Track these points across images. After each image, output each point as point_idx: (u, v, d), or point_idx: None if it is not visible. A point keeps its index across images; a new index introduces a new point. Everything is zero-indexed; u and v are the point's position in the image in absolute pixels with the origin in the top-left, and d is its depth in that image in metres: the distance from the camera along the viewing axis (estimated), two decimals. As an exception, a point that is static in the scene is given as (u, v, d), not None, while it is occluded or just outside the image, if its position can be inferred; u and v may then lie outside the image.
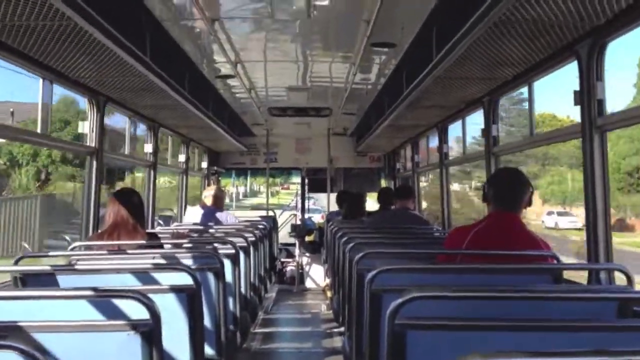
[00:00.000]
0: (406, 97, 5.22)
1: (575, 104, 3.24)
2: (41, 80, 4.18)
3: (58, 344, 1.39)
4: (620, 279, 2.83)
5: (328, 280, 8.91)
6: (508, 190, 3.32)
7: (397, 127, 7.01)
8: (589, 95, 3.14)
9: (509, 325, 1.92)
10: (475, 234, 3.33)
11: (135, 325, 2.02)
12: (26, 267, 3.12)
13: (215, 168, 10.70)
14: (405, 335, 1.93)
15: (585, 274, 3.34)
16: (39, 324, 1.91)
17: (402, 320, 1.94)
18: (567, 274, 3.26)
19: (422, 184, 9.18)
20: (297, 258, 10.40)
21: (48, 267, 3.04)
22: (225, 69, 5.70)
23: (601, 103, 3.14)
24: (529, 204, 3.34)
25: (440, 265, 3.22)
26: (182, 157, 8.55)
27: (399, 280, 2.63)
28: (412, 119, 6.34)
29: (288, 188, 41.32)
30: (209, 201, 6.88)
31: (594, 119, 3.12)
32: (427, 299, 2.04)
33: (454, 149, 6.72)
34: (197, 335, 2.80)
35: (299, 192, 11.75)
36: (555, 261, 3.20)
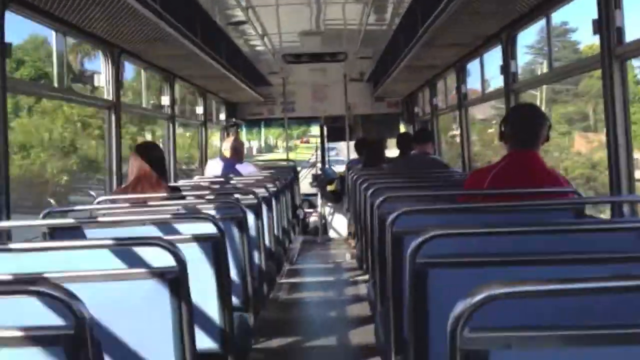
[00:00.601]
0: (422, 36, 5.13)
1: (594, 33, 3.17)
2: (54, 33, 4.17)
3: (86, 294, 1.42)
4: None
5: (351, 229, 8.97)
6: (525, 126, 3.27)
7: (414, 68, 6.90)
8: (607, 23, 3.06)
9: (530, 260, 1.91)
10: (495, 174, 3.31)
11: (162, 273, 2.05)
12: (53, 220, 3.17)
13: (234, 120, 10.69)
14: (426, 274, 1.94)
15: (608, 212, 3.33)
16: (68, 275, 1.95)
17: (423, 259, 1.95)
18: (590, 213, 3.24)
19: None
20: (319, 208, 10.45)
21: (74, 221, 3.10)
22: (237, 15, 5.63)
23: (620, 31, 3.06)
24: (547, 139, 3.30)
25: (461, 205, 3.21)
26: (199, 110, 8.55)
27: (421, 222, 2.63)
28: (428, 58, 6.24)
29: (308, 142, 38.27)
30: (228, 153, 6.89)
31: (614, 47, 3.05)
32: (446, 236, 2.04)
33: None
34: (223, 284, 2.83)
35: (319, 145, 11.68)
36: (576, 197, 3.18)
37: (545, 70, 4.19)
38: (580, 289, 1.21)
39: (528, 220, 2.77)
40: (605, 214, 3.38)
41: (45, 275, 1.86)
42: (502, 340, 1.18)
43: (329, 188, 10.52)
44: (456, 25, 4.68)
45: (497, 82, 5.41)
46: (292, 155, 11.47)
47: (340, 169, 11.51)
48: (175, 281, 2.05)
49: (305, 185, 10.81)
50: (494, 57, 5.37)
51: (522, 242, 2.29)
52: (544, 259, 1.89)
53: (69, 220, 3.20)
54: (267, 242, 4.63)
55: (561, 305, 1.55)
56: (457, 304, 1.20)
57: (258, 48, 7.53)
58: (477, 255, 1.96)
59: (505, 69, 4.78)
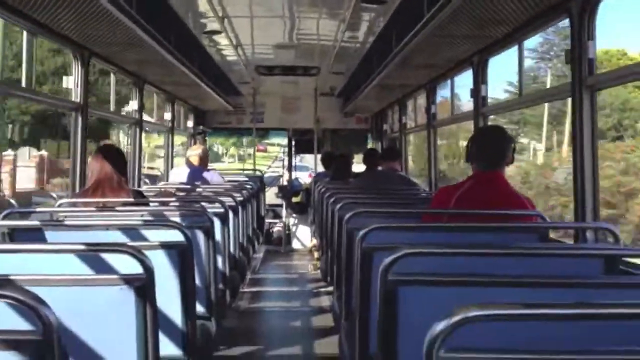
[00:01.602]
0: (395, 55, 5.18)
1: (566, 62, 3.24)
2: (25, 32, 4.09)
3: (50, 299, 1.38)
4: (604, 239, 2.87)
5: (315, 241, 8.96)
6: (490, 148, 3.34)
7: (385, 87, 6.97)
8: (580, 54, 3.13)
9: (498, 282, 1.94)
10: (462, 193, 3.35)
11: (128, 280, 2.02)
12: (14, 222, 3.09)
13: (202, 127, 10.62)
14: (397, 291, 1.94)
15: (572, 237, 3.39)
16: (31, 278, 1.90)
17: (394, 277, 1.95)
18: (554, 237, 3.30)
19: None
20: (284, 219, 10.42)
21: (37, 223, 3.02)
22: (212, 25, 5.61)
23: (592, 62, 3.14)
24: (512, 160, 3.37)
25: (432, 224, 3.24)
26: (167, 116, 8.47)
27: (388, 239, 2.64)
28: (400, 78, 6.31)
29: (265, 150, 33.61)
30: (195, 160, 6.84)
31: (585, 78, 3.12)
32: (420, 255, 2.05)
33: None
34: (188, 292, 2.80)
35: (279, 156, 11.69)
36: (540, 220, 3.23)
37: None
38: (555, 314, 1.23)
39: (494, 241, 2.80)
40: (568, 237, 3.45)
41: (9, 277, 1.81)
42: None
43: (295, 199, 10.51)
44: (430, 48, 4.75)
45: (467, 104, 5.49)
46: (247, 166, 11.38)
47: (303, 175, 11.49)
48: (142, 288, 2.01)
49: (269, 195, 10.77)
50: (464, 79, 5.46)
51: (489, 263, 2.33)
52: (513, 281, 1.91)
53: (30, 222, 3.12)
54: (231, 250, 4.60)
55: (533, 327, 1.57)
56: (434, 325, 1.21)
57: (231, 58, 7.50)
58: (445, 275, 1.98)
59: (475, 93, 4.85)
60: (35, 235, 3.01)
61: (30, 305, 1.28)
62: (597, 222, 3.07)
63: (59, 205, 3.87)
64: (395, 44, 5.21)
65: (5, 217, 3.18)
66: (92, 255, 2.41)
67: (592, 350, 1.22)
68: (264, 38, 6.50)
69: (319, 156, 10.00)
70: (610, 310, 1.25)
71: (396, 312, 1.92)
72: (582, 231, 3.16)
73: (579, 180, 3.10)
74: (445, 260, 2.38)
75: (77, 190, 4.68)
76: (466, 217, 3.20)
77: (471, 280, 1.90)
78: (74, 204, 3.92)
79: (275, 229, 10.53)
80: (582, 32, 3.12)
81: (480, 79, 4.84)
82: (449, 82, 6.05)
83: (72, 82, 4.89)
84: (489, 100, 4.84)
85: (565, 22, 3.32)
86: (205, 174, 6.73)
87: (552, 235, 3.41)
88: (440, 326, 1.19)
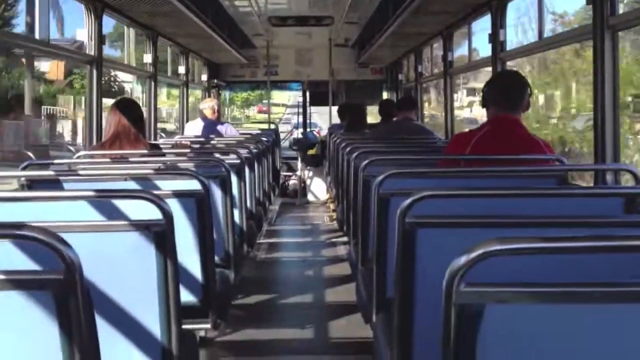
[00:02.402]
0: (411, 2, 5.08)
1: (588, 3, 3.15)
2: None
3: (71, 243, 1.39)
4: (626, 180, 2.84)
5: (330, 193, 8.99)
6: (507, 91, 3.27)
7: (401, 35, 6.86)
8: (602, -6, 3.05)
9: (517, 222, 1.92)
10: (479, 139, 3.30)
11: (147, 226, 2.02)
12: (32, 172, 3.10)
13: (216, 81, 10.57)
14: (415, 233, 1.94)
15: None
16: (50, 224, 1.91)
17: (412, 219, 1.95)
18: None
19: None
20: (299, 172, 10.44)
21: (54, 173, 3.04)
22: None
23: (613, 2, 3.06)
24: (528, 106, 3.30)
25: (448, 169, 3.21)
26: (182, 69, 8.43)
27: (404, 185, 2.63)
28: (416, 26, 6.20)
29: (267, 112, 29.68)
30: (208, 113, 6.81)
31: (606, 18, 3.04)
32: (439, 197, 2.04)
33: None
34: (206, 241, 2.82)
35: (284, 117, 11.65)
36: (559, 164, 3.19)
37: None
38: (575, 247, 1.22)
39: (512, 186, 2.77)
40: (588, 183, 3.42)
41: (29, 224, 1.82)
42: (497, 295, 1.18)
43: (310, 152, 10.51)
44: (447, -9, 4.65)
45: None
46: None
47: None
48: (161, 234, 2.02)
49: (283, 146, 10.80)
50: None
51: (508, 206, 2.30)
52: (532, 222, 1.89)
53: (48, 172, 3.14)
54: (248, 202, 4.62)
55: (553, 265, 1.56)
56: (455, 260, 1.20)
57: (243, 9, 7.41)
58: (465, 216, 1.97)
59: (493, 38, 4.76)
60: (53, 186, 3.03)
61: (52, 246, 1.28)
62: (616, 164, 3.03)
63: (77, 158, 3.89)
64: (410, -11, 5.11)
65: (23, 169, 3.19)
66: (110, 203, 2.42)
67: (611, 282, 1.21)
68: None
69: (334, 108, 9.93)
70: (630, 242, 1.23)
71: (414, 255, 1.92)
72: (602, 173, 3.13)
73: (599, 122, 3.06)
74: (462, 204, 2.36)
75: (94, 143, 4.70)
76: (483, 162, 3.16)
77: (489, 221, 1.89)
78: (91, 156, 3.93)
79: (291, 182, 10.56)
80: (604, -30, 3.03)
81: (498, 24, 4.74)
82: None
83: (85, 36, 4.87)
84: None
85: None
86: (220, 127, 6.72)
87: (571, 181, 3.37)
88: (461, 260, 1.18)
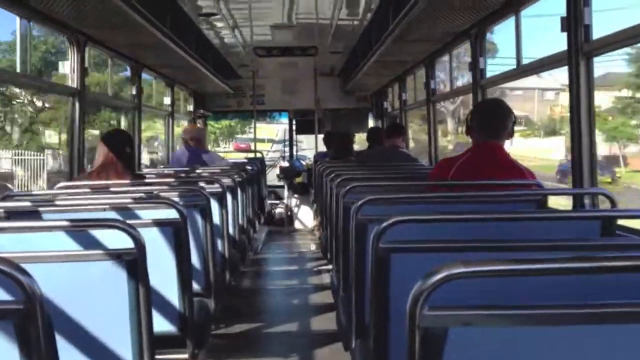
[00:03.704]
0: (393, 30, 5.14)
1: (562, 30, 3.20)
2: (18, 18, 4.07)
3: (42, 276, 1.37)
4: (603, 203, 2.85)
5: (316, 221, 8.97)
6: (490, 119, 3.32)
7: (384, 64, 6.92)
8: (575, 21, 3.09)
9: (491, 246, 1.91)
10: (460, 165, 3.34)
11: (119, 254, 2.01)
12: (10, 203, 3.08)
13: (202, 111, 10.60)
14: (389, 258, 1.93)
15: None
16: (22, 255, 1.90)
17: (386, 245, 1.94)
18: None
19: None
20: (285, 200, 10.43)
21: (32, 204, 3.02)
22: (208, 6, 5.57)
23: (588, 28, 3.10)
24: (512, 133, 3.35)
25: (427, 194, 3.22)
26: (167, 100, 8.45)
27: (386, 211, 2.63)
28: (399, 54, 6.26)
29: (246, 149, 21.17)
30: (190, 141, 6.81)
31: (581, 44, 3.08)
32: (409, 222, 2.04)
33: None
34: (184, 270, 2.80)
35: (270, 154, 11.64)
36: (539, 189, 3.20)
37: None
38: (538, 269, 1.21)
39: (491, 210, 2.78)
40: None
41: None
42: (461, 319, 1.17)
43: (297, 180, 10.51)
44: (427, 21, 4.71)
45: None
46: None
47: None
48: (133, 263, 2.01)
49: (271, 177, 10.79)
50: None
51: (485, 230, 2.30)
52: (507, 246, 1.89)
53: (26, 204, 3.12)
54: (231, 230, 4.60)
55: (522, 290, 1.55)
56: (417, 283, 1.19)
57: (228, 40, 7.47)
58: (439, 240, 1.96)
59: (474, 65, 4.82)
60: (32, 216, 3.00)
61: (11, 275, 1.27)
62: (593, 188, 3.05)
63: (57, 188, 3.87)
64: (392, 18, 5.16)
65: (2, 199, 3.17)
66: (86, 234, 2.40)
67: (580, 304, 1.20)
68: (261, 19, 6.47)
69: (320, 136, 9.97)
70: (600, 264, 1.23)
71: (388, 280, 1.91)
72: (579, 197, 3.14)
73: (576, 146, 3.08)
74: (441, 230, 2.36)
75: (75, 174, 4.68)
76: (465, 187, 3.18)
77: (463, 245, 1.88)
78: (72, 187, 3.91)
79: (278, 210, 10.54)
80: (578, -2, 3.08)
81: (478, 52, 4.80)
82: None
83: (68, 68, 4.88)
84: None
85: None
86: (205, 156, 6.71)
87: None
88: (424, 283, 1.18)
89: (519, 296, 1.56)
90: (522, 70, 4.10)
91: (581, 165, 3.06)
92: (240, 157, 10.96)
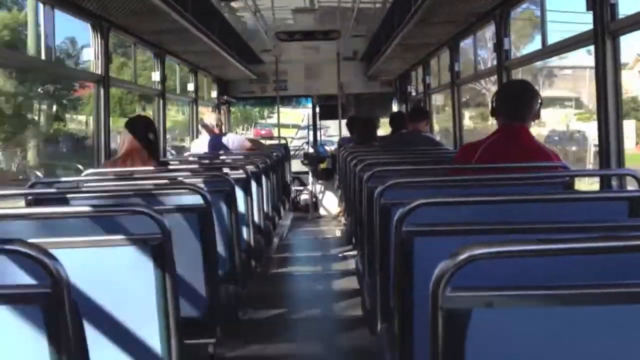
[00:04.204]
0: (415, 13, 5.09)
1: (588, 9, 3.14)
2: (42, 5, 4.10)
3: (68, 260, 1.39)
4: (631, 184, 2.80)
5: (341, 207, 8.96)
6: (516, 101, 3.27)
7: (407, 46, 6.86)
8: (601, -1, 3.04)
9: (517, 228, 1.89)
10: (485, 148, 3.30)
11: (144, 240, 2.03)
12: (38, 190, 3.13)
13: (225, 97, 10.63)
14: (412, 241, 1.92)
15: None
16: (50, 241, 1.92)
17: (409, 228, 1.93)
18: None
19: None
20: (310, 186, 10.44)
21: (59, 191, 3.06)
22: None
23: (614, 7, 3.05)
24: (538, 116, 3.30)
25: (451, 177, 3.20)
26: (190, 86, 8.48)
27: (410, 195, 2.61)
28: (422, 36, 6.20)
29: (270, 136, 19.69)
30: (211, 127, 6.83)
31: (607, 23, 3.03)
32: (433, 205, 2.03)
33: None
34: (209, 256, 2.82)
35: (294, 142, 11.56)
36: (565, 170, 3.16)
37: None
38: (561, 249, 1.20)
39: (517, 193, 2.75)
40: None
41: (28, 240, 1.84)
42: (484, 299, 1.17)
43: (321, 166, 10.50)
44: (450, 2, 4.65)
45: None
46: None
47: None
48: (159, 248, 2.02)
49: (296, 163, 10.79)
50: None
51: (509, 213, 2.28)
52: (531, 227, 1.87)
53: (53, 190, 3.16)
54: (255, 217, 4.62)
55: (545, 270, 1.54)
56: (439, 264, 1.19)
57: (250, 25, 7.47)
58: (463, 223, 1.95)
59: (498, 47, 4.76)
60: (59, 203, 3.04)
61: (37, 259, 1.29)
62: (620, 169, 3.00)
63: (84, 175, 3.92)
64: (414, 0, 5.11)
65: (30, 187, 3.22)
66: (111, 219, 2.43)
67: (604, 284, 1.19)
68: (282, 2, 6.46)
69: (343, 121, 9.94)
70: (626, 243, 1.21)
71: (412, 263, 1.90)
72: (606, 179, 3.10)
73: (603, 127, 3.03)
74: (464, 212, 2.35)
75: (102, 160, 4.73)
76: (490, 171, 3.15)
77: (486, 227, 1.87)
78: (99, 174, 3.96)
79: (302, 196, 10.55)
80: (603, -25, 3.02)
81: (502, 33, 4.74)
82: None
83: (92, 55, 4.92)
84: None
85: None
86: (224, 139, 6.71)
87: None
88: (445, 265, 1.17)
89: (543, 276, 1.55)
90: (548, 50, 4.04)
91: (608, 146, 3.02)
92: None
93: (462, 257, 1.16)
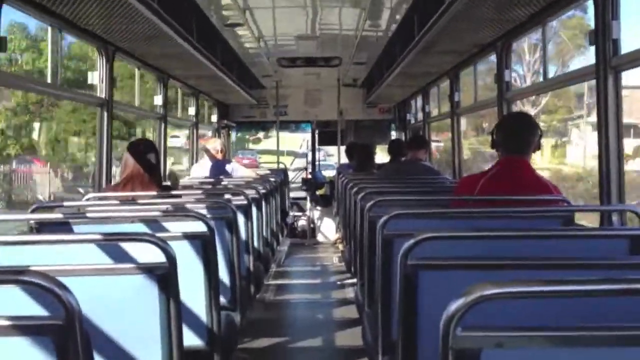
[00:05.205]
0: (418, 42, 5.14)
1: (590, 44, 3.18)
2: (49, 28, 4.15)
3: (74, 288, 1.40)
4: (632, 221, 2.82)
5: (339, 234, 8.96)
6: (516, 134, 3.30)
7: (408, 75, 6.93)
8: (603, 34, 3.08)
9: (520, 264, 1.91)
10: (486, 180, 3.32)
11: (151, 269, 2.03)
12: (41, 215, 3.13)
13: (225, 121, 10.68)
14: (417, 276, 1.94)
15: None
16: (56, 268, 1.93)
17: (414, 261, 1.95)
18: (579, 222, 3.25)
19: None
20: (308, 212, 10.43)
21: (62, 216, 3.07)
22: (234, 17, 5.62)
23: (616, 42, 3.08)
24: (538, 147, 3.33)
25: (454, 209, 3.22)
26: (192, 110, 8.53)
27: (410, 226, 2.63)
28: (423, 66, 6.26)
29: (256, 165, 16.60)
30: (214, 153, 6.88)
31: (609, 59, 3.07)
32: (439, 239, 2.04)
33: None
34: (212, 283, 2.81)
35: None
36: (566, 205, 3.19)
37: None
38: (571, 290, 1.21)
39: (517, 227, 2.77)
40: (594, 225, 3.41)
41: (33, 267, 1.84)
42: (494, 340, 1.18)
43: (319, 192, 10.51)
44: (452, 33, 4.70)
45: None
46: None
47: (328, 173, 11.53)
48: (165, 277, 2.03)
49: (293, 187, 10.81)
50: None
51: (511, 247, 2.30)
52: (535, 264, 1.89)
53: (56, 215, 3.17)
54: (255, 242, 4.62)
55: (552, 308, 1.55)
56: (450, 303, 1.20)
57: (253, 51, 7.53)
58: (467, 257, 1.96)
59: (499, 78, 4.80)
60: (62, 228, 3.05)
61: (51, 291, 1.30)
62: (621, 205, 3.02)
63: (86, 200, 3.93)
64: (417, 30, 5.17)
65: (33, 212, 3.23)
66: (116, 246, 2.44)
67: (614, 326, 1.20)
68: (285, 29, 6.52)
69: (342, 148, 9.98)
70: (633, 286, 1.23)
71: (416, 297, 1.91)
72: (607, 215, 3.11)
73: (604, 162, 3.06)
74: (467, 246, 2.36)
75: (104, 184, 4.74)
76: (490, 203, 3.17)
77: (491, 263, 1.89)
78: (101, 198, 3.97)
79: (300, 222, 10.54)
80: (606, 11, 3.07)
81: (504, 64, 4.79)
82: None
83: (96, 78, 4.95)
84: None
85: (589, 2, 3.27)
86: (227, 166, 6.77)
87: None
88: (456, 304, 1.18)
89: (550, 314, 1.56)
90: (548, 84, 4.09)
91: (609, 181, 3.04)
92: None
93: (473, 297, 1.18)
